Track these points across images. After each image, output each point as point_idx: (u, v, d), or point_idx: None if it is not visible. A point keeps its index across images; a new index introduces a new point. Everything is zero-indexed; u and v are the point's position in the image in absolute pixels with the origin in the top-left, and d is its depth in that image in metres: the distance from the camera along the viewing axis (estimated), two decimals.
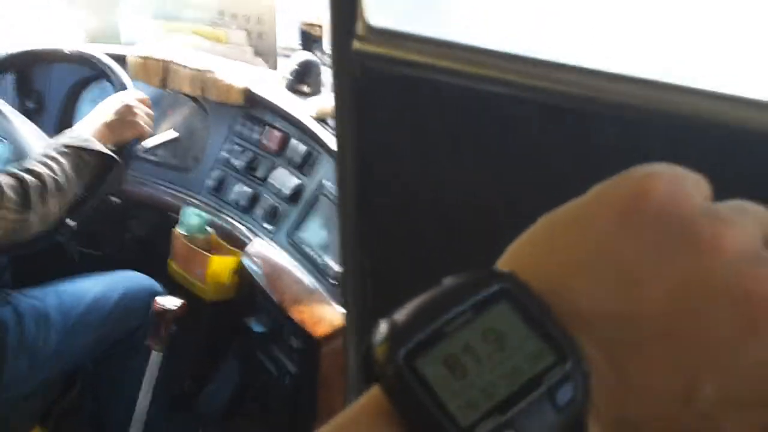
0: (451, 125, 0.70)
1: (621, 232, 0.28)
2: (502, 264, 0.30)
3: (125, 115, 1.63)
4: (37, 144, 1.64)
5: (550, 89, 0.61)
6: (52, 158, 1.52)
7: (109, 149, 1.60)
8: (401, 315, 0.27)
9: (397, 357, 0.26)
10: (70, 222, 1.59)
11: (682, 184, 0.29)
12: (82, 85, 2.05)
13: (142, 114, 1.66)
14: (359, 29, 0.69)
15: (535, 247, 0.30)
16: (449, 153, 0.72)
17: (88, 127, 1.62)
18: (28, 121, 1.82)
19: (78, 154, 1.55)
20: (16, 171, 1.48)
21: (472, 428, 0.25)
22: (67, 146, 1.55)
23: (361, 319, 0.85)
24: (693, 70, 0.56)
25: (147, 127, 1.67)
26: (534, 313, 0.27)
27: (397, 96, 0.72)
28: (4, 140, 1.68)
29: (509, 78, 0.63)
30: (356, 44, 0.69)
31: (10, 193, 1.44)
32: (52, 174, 1.50)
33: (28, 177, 1.47)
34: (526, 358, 0.26)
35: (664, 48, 0.58)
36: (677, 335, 0.27)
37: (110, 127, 1.61)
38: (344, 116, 0.76)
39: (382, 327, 0.27)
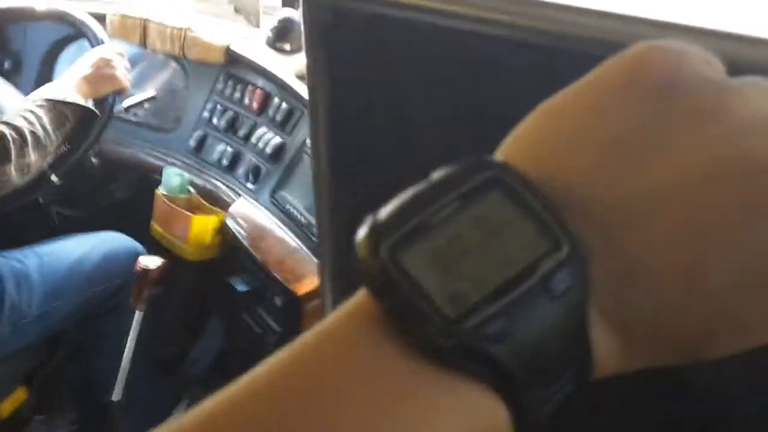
0: (426, 67, 0.68)
1: (620, 107, 0.26)
2: (497, 154, 0.28)
3: (103, 68, 1.61)
4: (14, 102, 1.62)
5: (533, 27, 0.59)
6: (30, 111, 1.51)
7: (88, 103, 1.58)
8: (384, 211, 0.26)
9: (379, 252, 0.24)
10: (53, 177, 1.57)
11: (684, 57, 0.27)
12: (59, 44, 2.03)
13: (121, 67, 1.64)
14: None
15: (530, 134, 0.28)
16: (425, 98, 0.70)
17: (67, 82, 1.60)
18: (4, 80, 1.79)
19: (56, 106, 1.53)
20: None
21: (461, 320, 0.24)
22: (45, 99, 1.54)
23: (338, 274, 0.84)
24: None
25: (125, 81, 1.65)
26: (527, 201, 0.25)
27: (369, 39, 0.70)
28: None
29: (489, 16, 0.61)
30: None
31: None
32: (30, 126, 1.48)
33: (5, 129, 1.45)
34: (518, 247, 0.25)
35: None
36: (682, 212, 0.25)
37: (88, 80, 1.59)
38: (315, 64, 0.74)
39: (365, 224, 0.25)
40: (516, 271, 0.25)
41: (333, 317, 0.26)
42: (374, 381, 0.24)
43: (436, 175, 0.26)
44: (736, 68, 0.29)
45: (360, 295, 0.26)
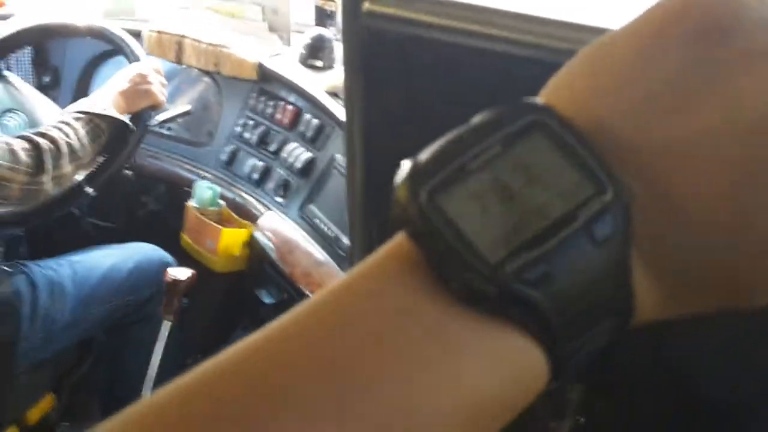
0: (460, 88, 0.70)
1: (665, 48, 0.25)
2: (539, 98, 0.27)
3: (139, 83, 1.63)
4: (51, 115, 1.66)
5: (562, 49, 0.61)
6: (66, 123, 1.53)
7: (124, 117, 1.61)
8: (424, 154, 0.25)
9: (418, 195, 0.24)
10: (88, 189, 1.60)
11: None
12: (97, 60, 2.07)
13: (157, 83, 1.66)
14: None
15: (574, 76, 0.27)
16: (457, 115, 0.72)
17: (103, 96, 1.63)
18: (41, 95, 1.83)
19: (92, 119, 1.56)
20: (29, 134, 1.49)
21: (502, 265, 0.23)
22: (81, 112, 1.57)
23: None
24: None
25: (161, 96, 1.68)
26: (570, 145, 0.24)
27: (406, 59, 0.72)
28: (18, 112, 1.70)
29: (520, 38, 0.63)
30: (366, 5, 0.69)
31: (23, 155, 1.45)
32: (65, 138, 1.50)
33: (41, 140, 1.48)
34: (561, 191, 0.24)
35: None
36: (729, 160, 0.24)
37: (125, 95, 1.62)
38: (353, 83, 0.76)
39: (404, 167, 0.25)
40: (558, 216, 0.24)
41: (371, 259, 0.25)
42: (408, 322, 0.24)
43: (477, 118, 0.26)
44: None
45: (397, 240, 0.26)
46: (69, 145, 1.51)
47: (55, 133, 1.51)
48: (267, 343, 0.24)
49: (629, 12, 0.28)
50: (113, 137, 1.60)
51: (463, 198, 0.24)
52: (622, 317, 0.25)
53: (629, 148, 0.25)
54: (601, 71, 0.26)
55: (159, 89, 1.67)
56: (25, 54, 2.06)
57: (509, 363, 0.24)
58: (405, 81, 0.74)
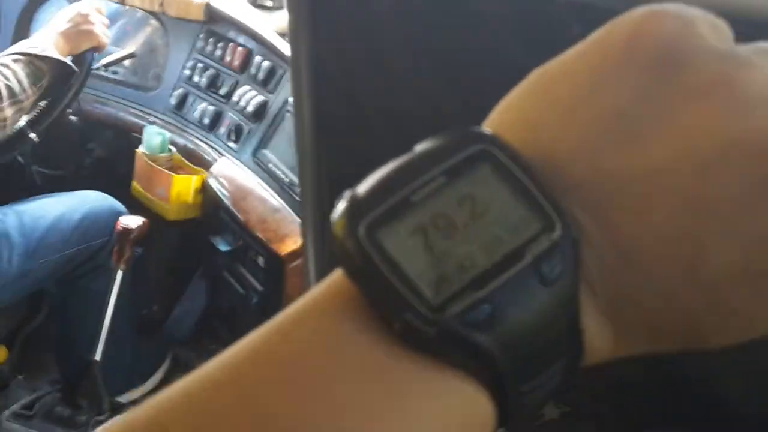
0: (410, 25, 0.68)
1: (618, 78, 0.24)
2: (486, 125, 0.26)
3: (80, 24, 1.58)
4: None
5: None
6: (5, 65, 1.48)
7: (65, 59, 1.56)
8: (363, 186, 0.24)
9: (356, 231, 0.22)
10: (32, 134, 1.55)
11: (690, 24, 0.25)
12: (35, 2, 1.99)
13: (98, 23, 1.61)
14: None
15: (522, 104, 0.26)
16: (409, 52, 0.69)
17: (43, 37, 1.57)
18: None
19: (32, 61, 1.51)
20: None
21: (444, 306, 0.22)
22: (21, 53, 1.51)
23: (319, 235, 0.83)
24: None
25: (104, 37, 1.63)
26: (518, 178, 0.23)
27: None
28: None
29: None
30: None
31: None
32: (4, 80, 1.45)
33: None
34: (508, 227, 0.23)
35: None
36: (682, 195, 0.23)
37: (66, 36, 1.57)
38: (298, 20, 0.73)
39: (342, 201, 0.23)
40: (505, 253, 0.23)
41: (307, 298, 0.24)
42: (349, 369, 0.23)
43: (420, 147, 0.24)
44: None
45: (336, 276, 0.24)
46: (8, 87, 1.45)
47: None
48: (201, 391, 0.23)
49: None
50: (55, 79, 1.55)
51: (404, 233, 0.23)
52: (572, 359, 0.24)
53: (579, 182, 0.24)
54: (550, 99, 0.25)
55: (101, 30, 1.62)
56: None
57: (455, 410, 0.23)
58: (353, 18, 0.71)
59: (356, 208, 0.23)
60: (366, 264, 0.22)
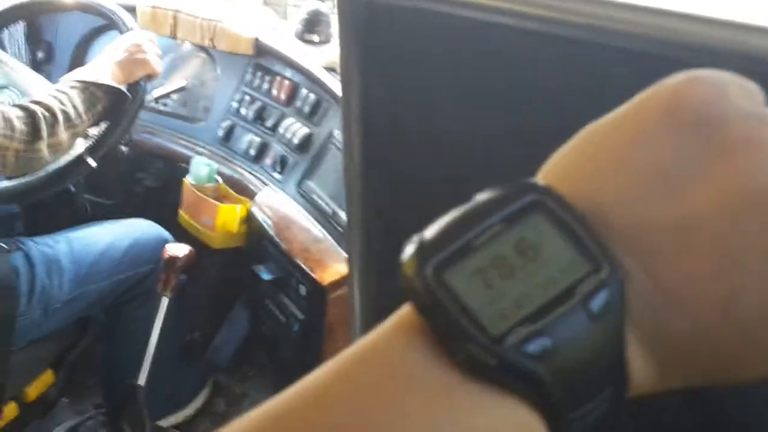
0: (458, 62, 0.69)
1: (659, 138, 0.27)
2: (539, 177, 0.29)
3: (135, 53, 1.62)
4: (45, 91, 1.64)
5: (570, 22, 0.60)
6: (62, 92, 1.52)
7: (120, 86, 1.60)
8: (430, 230, 0.27)
9: (424, 270, 0.26)
10: (89, 160, 1.59)
11: (724, 88, 0.28)
12: (90, 35, 2.05)
13: (152, 52, 1.65)
14: None
15: (572, 158, 0.29)
16: (458, 91, 0.71)
17: (99, 66, 1.62)
18: (34, 71, 1.82)
19: (87, 87, 1.55)
20: (25, 103, 1.48)
21: (504, 337, 0.25)
22: (76, 80, 1.55)
23: (365, 266, 0.85)
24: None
25: (157, 66, 1.66)
26: (568, 224, 0.26)
27: (403, 32, 0.71)
28: (12, 88, 1.68)
29: (525, 10, 0.62)
30: None
31: (19, 124, 1.44)
32: (60, 105, 1.49)
33: (36, 107, 1.46)
34: (559, 269, 0.26)
35: None
36: (716, 242, 0.26)
37: (120, 65, 1.61)
38: (349, 57, 0.76)
39: (411, 243, 0.27)
40: (557, 292, 0.25)
41: (377, 332, 0.27)
42: (415, 393, 0.25)
43: (481, 196, 0.27)
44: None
45: (404, 311, 0.27)
46: (64, 112, 1.49)
47: (49, 101, 1.49)
48: (277, 416, 0.26)
49: None
50: (110, 106, 1.59)
51: (467, 273, 0.25)
52: (618, 390, 0.27)
53: (623, 229, 0.26)
54: (597, 154, 0.28)
55: (154, 59, 1.65)
56: (18, 30, 2.05)
57: (511, 431, 0.25)
58: (403, 54, 0.73)
59: (424, 250, 0.26)
60: (433, 301, 0.25)
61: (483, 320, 0.25)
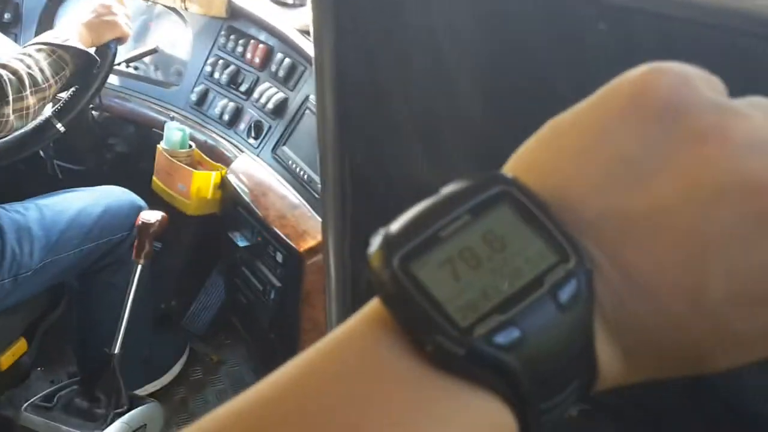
0: (432, 22, 0.68)
1: (624, 129, 0.27)
2: (506, 169, 0.29)
3: (104, 15, 1.59)
4: (11, 52, 1.60)
5: None
6: (28, 55, 1.49)
7: (88, 49, 1.57)
8: (396, 224, 0.26)
9: (391, 263, 0.25)
10: (58, 125, 1.56)
11: (687, 79, 0.28)
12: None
13: (121, 14, 1.62)
14: None
15: (538, 150, 0.29)
16: (431, 53, 0.69)
17: (66, 28, 1.58)
18: (1, 33, 1.78)
19: (55, 50, 1.52)
20: None
21: (472, 328, 0.25)
22: (43, 43, 1.52)
23: (340, 230, 0.84)
24: None
25: (126, 28, 1.63)
26: (535, 215, 0.26)
27: None
28: None
29: None
30: None
31: None
32: (27, 69, 1.46)
33: (2, 72, 1.43)
34: (527, 259, 0.26)
35: None
36: (684, 231, 0.26)
37: (89, 26, 1.58)
38: (321, 19, 0.74)
39: (377, 236, 0.26)
40: (525, 282, 0.25)
41: (346, 326, 0.27)
42: (386, 386, 0.25)
43: (447, 189, 0.27)
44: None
45: (373, 304, 0.27)
46: (31, 75, 1.46)
47: (15, 64, 1.46)
48: (249, 409, 0.25)
49: None
50: (78, 69, 1.56)
51: (434, 265, 0.25)
52: (587, 381, 0.27)
53: (590, 220, 0.26)
54: (563, 146, 0.28)
55: (124, 21, 1.63)
56: None
57: (481, 422, 0.25)
58: (376, 16, 0.71)
59: (391, 242, 0.26)
60: (400, 292, 0.25)
61: (451, 311, 0.25)
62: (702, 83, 0.28)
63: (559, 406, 0.26)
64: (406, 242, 0.26)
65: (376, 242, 0.26)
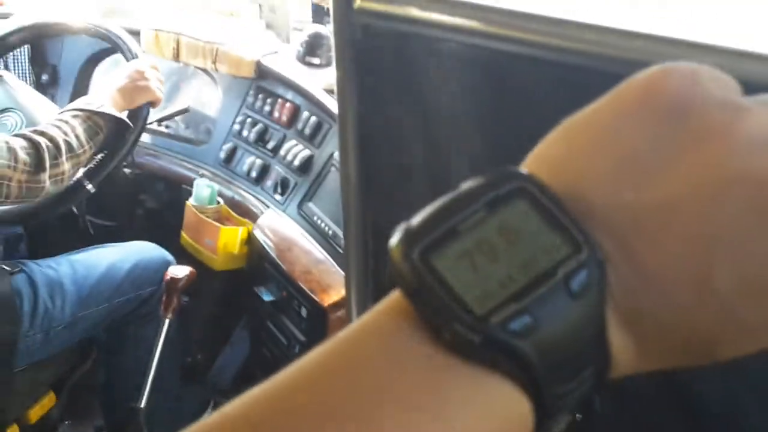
0: (451, 83, 0.70)
1: (634, 127, 0.28)
2: (521, 166, 0.30)
3: (137, 80, 1.64)
4: (49, 114, 1.66)
5: (554, 46, 0.61)
6: (64, 121, 1.54)
7: (121, 114, 1.61)
8: (416, 218, 0.28)
9: (411, 255, 0.26)
10: (88, 185, 1.61)
11: (696, 78, 0.29)
12: (95, 58, 2.07)
13: (154, 79, 1.67)
14: None
15: (553, 147, 0.30)
16: (451, 111, 0.72)
17: (101, 93, 1.63)
18: (39, 93, 1.84)
19: (90, 117, 1.56)
20: (28, 133, 1.50)
21: (488, 316, 0.26)
22: (79, 110, 1.57)
23: (362, 286, 0.85)
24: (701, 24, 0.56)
25: (158, 92, 1.68)
26: (549, 209, 0.27)
27: (398, 55, 0.72)
28: (16, 111, 1.70)
29: (511, 34, 0.63)
30: (358, 2, 0.69)
31: (22, 154, 1.45)
32: (63, 135, 1.51)
33: (40, 138, 1.48)
34: (541, 251, 0.27)
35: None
36: (692, 224, 0.27)
37: (122, 92, 1.63)
38: (345, 79, 0.76)
39: (398, 231, 0.28)
40: (539, 272, 0.26)
41: (368, 316, 0.28)
42: (408, 375, 0.26)
43: (465, 184, 0.28)
44: (752, 87, 0.30)
45: (393, 296, 0.28)
46: (67, 142, 1.51)
47: (53, 131, 1.51)
48: (277, 392, 0.27)
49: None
50: (111, 134, 1.61)
51: (453, 257, 0.27)
52: (599, 369, 0.28)
53: (601, 213, 0.27)
54: (576, 143, 0.29)
55: (156, 85, 1.67)
56: (23, 52, 2.07)
57: (497, 411, 0.26)
58: (397, 76, 0.74)
59: (411, 236, 0.27)
60: (420, 283, 0.26)
61: (468, 300, 0.26)
62: (711, 82, 0.29)
63: (574, 392, 0.27)
64: (425, 235, 0.27)
65: (397, 235, 0.27)
